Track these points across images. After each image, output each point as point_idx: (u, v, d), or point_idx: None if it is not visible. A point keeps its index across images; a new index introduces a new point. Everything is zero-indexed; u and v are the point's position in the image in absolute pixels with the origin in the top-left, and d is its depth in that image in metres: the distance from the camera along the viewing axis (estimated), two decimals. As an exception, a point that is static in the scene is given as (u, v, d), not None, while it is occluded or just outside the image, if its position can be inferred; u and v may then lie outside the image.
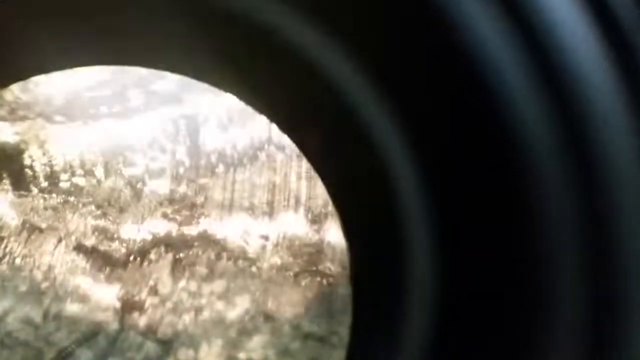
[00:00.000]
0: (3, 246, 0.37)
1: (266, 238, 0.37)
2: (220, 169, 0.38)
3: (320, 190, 0.37)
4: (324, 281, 0.36)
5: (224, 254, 0.37)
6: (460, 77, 0.19)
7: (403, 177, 0.21)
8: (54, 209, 0.37)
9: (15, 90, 0.39)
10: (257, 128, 0.39)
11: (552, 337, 0.18)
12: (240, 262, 0.36)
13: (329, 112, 0.25)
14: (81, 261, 0.36)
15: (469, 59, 0.19)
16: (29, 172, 0.38)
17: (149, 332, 0.35)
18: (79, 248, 0.37)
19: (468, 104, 0.20)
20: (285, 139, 0.38)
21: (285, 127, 0.34)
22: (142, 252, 0.37)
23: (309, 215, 0.37)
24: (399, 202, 0.22)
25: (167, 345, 0.35)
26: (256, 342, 0.35)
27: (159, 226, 0.37)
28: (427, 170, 0.21)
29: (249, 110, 0.39)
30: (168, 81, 0.40)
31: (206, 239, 0.37)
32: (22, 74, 0.37)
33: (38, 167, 0.38)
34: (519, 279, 0.19)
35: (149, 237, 0.37)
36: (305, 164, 0.38)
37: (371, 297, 0.24)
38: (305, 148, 0.33)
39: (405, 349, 0.20)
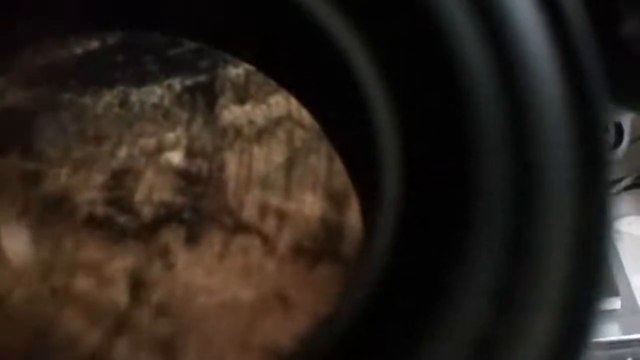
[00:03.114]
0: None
1: (282, 216, 0.36)
2: (237, 143, 0.38)
3: (339, 169, 0.36)
4: (340, 261, 0.35)
5: (239, 232, 0.36)
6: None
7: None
8: (65, 178, 0.37)
9: (28, 54, 0.38)
10: (276, 102, 0.38)
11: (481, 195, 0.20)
12: (255, 240, 0.36)
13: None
14: (92, 232, 0.36)
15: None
16: (40, 139, 0.37)
17: (161, 307, 0.35)
18: (91, 219, 0.36)
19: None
20: (305, 115, 0.37)
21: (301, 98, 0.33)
22: (156, 226, 0.36)
23: (327, 195, 0.36)
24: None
25: (179, 321, 0.35)
26: (269, 323, 0.34)
27: (173, 199, 0.36)
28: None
29: (268, 83, 0.38)
30: (183, 48, 0.39)
31: (221, 215, 0.36)
32: (38, 37, 0.36)
33: (50, 135, 0.37)
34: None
35: (162, 211, 0.36)
36: (324, 143, 0.37)
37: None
38: (320, 118, 0.33)
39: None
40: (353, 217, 0.36)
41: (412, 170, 0.22)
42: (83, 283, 0.35)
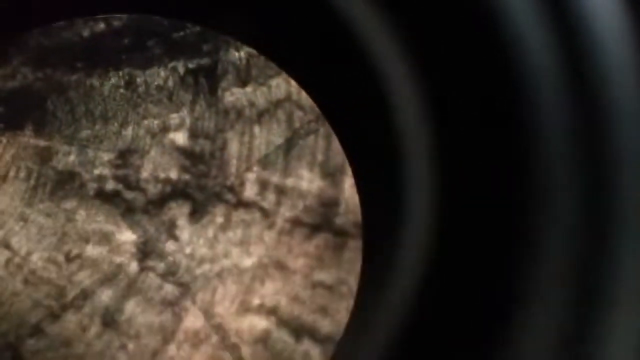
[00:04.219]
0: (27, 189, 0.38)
1: (282, 193, 0.38)
2: (239, 123, 0.39)
3: (336, 148, 0.38)
4: (337, 236, 0.37)
5: (240, 207, 0.38)
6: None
7: (406, 108, 0.22)
8: (75, 155, 0.38)
9: (38, 36, 0.40)
10: (276, 84, 0.39)
11: (544, 233, 0.18)
12: (256, 214, 0.38)
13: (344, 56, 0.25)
14: (102, 206, 0.37)
15: None
16: (50, 118, 0.39)
17: (168, 274, 0.37)
18: (100, 194, 0.38)
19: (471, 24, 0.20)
20: (304, 98, 0.39)
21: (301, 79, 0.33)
22: (161, 201, 0.38)
23: (324, 172, 0.38)
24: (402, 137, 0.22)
25: (185, 287, 0.37)
26: (268, 287, 0.36)
27: (178, 177, 0.38)
28: (429, 95, 0.21)
29: (269, 66, 0.39)
30: (187, 31, 0.40)
31: (223, 192, 0.38)
32: (45, 19, 0.37)
33: (60, 114, 0.39)
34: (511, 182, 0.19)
35: (168, 188, 0.38)
36: (323, 124, 0.39)
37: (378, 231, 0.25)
38: (320, 102, 0.33)
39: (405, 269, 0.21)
40: (347, 191, 0.38)
41: (452, 165, 0.20)
42: (95, 251, 0.37)
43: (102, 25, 0.40)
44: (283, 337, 0.36)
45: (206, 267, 0.37)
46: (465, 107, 0.21)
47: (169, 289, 0.37)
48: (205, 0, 0.33)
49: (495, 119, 0.20)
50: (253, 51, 0.40)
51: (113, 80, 0.40)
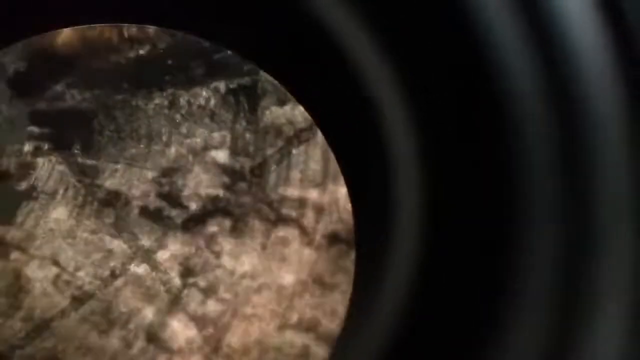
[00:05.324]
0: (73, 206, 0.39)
1: (320, 210, 0.38)
2: (278, 141, 0.40)
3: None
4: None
5: (279, 224, 0.38)
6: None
7: (395, 123, 0.22)
8: (121, 173, 0.39)
9: (86, 58, 0.41)
10: (314, 104, 0.40)
11: (529, 226, 0.19)
12: (294, 231, 0.38)
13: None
14: (146, 223, 0.38)
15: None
16: (97, 138, 0.40)
17: (209, 291, 0.38)
18: (144, 211, 0.39)
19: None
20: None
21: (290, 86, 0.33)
22: (203, 218, 0.39)
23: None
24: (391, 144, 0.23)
25: (226, 303, 0.37)
26: (307, 303, 0.36)
27: (219, 194, 0.39)
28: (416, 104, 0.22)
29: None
30: (229, 53, 0.41)
31: (262, 208, 0.39)
32: (39, 29, 0.37)
33: (106, 134, 0.40)
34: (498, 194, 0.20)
35: (209, 204, 0.39)
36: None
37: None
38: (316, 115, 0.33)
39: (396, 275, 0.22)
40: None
41: (441, 173, 0.21)
42: (139, 268, 0.38)
43: (147, 47, 0.41)
44: (322, 353, 0.37)
45: (246, 283, 0.38)
46: (450, 120, 0.21)
47: (213, 306, 0.37)
48: (203, 12, 0.34)
49: (480, 131, 0.21)
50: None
51: (157, 101, 0.40)
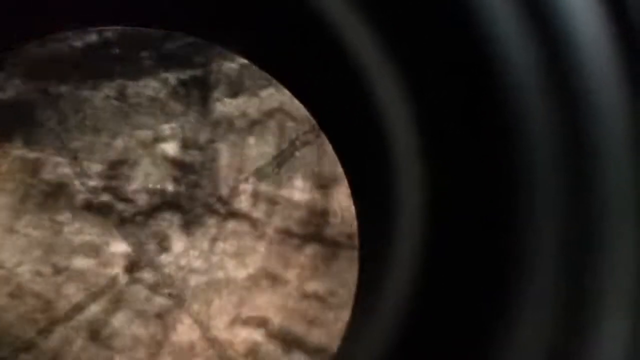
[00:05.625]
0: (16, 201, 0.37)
1: (272, 203, 0.38)
2: (230, 134, 0.39)
3: (328, 159, 0.38)
4: (328, 246, 0.37)
5: (231, 218, 0.37)
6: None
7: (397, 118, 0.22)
8: (65, 166, 0.38)
9: (29, 47, 0.39)
10: (268, 95, 0.39)
11: (531, 223, 0.19)
12: (247, 225, 0.37)
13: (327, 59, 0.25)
14: (91, 218, 0.37)
15: None
16: (41, 130, 0.38)
17: (158, 286, 0.37)
18: (89, 205, 0.37)
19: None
20: (296, 108, 0.38)
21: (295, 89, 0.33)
22: (152, 212, 0.37)
23: (315, 182, 0.38)
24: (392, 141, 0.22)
25: (177, 299, 0.36)
26: (259, 299, 0.36)
27: (169, 188, 0.38)
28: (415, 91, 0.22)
29: (261, 76, 0.39)
30: (179, 42, 0.40)
31: (213, 202, 0.38)
32: (38, 32, 0.37)
33: (50, 126, 0.39)
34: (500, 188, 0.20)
35: (158, 198, 0.38)
36: (314, 132, 0.38)
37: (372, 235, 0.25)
38: (314, 109, 0.33)
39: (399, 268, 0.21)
40: (338, 203, 0.38)
41: (442, 174, 0.20)
42: (83, 263, 0.37)
43: (94, 37, 0.40)
44: (273, 349, 0.36)
45: (198, 278, 0.37)
46: (453, 117, 0.21)
47: (160, 301, 0.36)
48: (203, 14, 0.33)
49: (482, 127, 0.20)
50: (245, 62, 0.40)
51: (104, 92, 0.39)
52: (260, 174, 0.38)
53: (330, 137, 0.34)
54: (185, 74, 0.40)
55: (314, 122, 0.37)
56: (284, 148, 0.38)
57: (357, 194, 0.31)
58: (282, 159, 0.38)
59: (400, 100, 0.22)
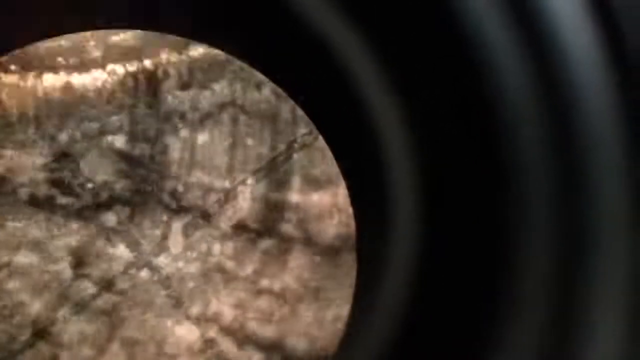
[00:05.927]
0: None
1: (225, 198, 0.37)
2: (180, 127, 0.38)
3: (281, 152, 0.38)
4: (282, 242, 0.36)
5: (181, 212, 0.37)
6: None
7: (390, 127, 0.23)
8: (7, 159, 0.37)
9: None
10: (220, 88, 0.39)
11: (525, 225, 0.19)
12: (198, 220, 0.37)
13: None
14: (34, 212, 0.36)
15: None
16: (-19, 120, 0.37)
17: (104, 282, 0.36)
18: (33, 199, 0.36)
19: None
20: (248, 101, 0.38)
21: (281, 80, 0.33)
22: (98, 206, 0.37)
23: (269, 176, 0.38)
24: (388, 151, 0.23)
25: (123, 295, 0.35)
26: (209, 294, 0.35)
27: (116, 182, 0.37)
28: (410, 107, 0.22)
29: (212, 69, 0.39)
30: (129, 34, 0.40)
31: (162, 197, 0.37)
32: (38, 34, 0.36)
33: (-9, 116, 0.37)
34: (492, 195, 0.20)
35: (105, 192, 0.37)
36: (267, 127, 0.38)
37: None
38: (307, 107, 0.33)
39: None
40: (293, 197, 0.37)
41: (437, 182, 0.21)
42: (26, 259, 0.36)
43: (38, 26, 0.39)
44: (224, 344, 0.36)
45: (144, 275, 0.36)
46: (443, 120, 0.21)
47: (105, 297, 0.36)
48: (203, 17, 0.33)
49: (473, 130, 0.21)
50: (196, 54, 0.39)
51: (50, 82, 0.39)
52: (210, 167, 0.37)
53: (327, 138, 0.34)
54: (133, 66, 0.40)
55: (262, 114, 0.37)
56: (235, 141, 0.38)
57: (354, 197, 0.31)
58: (232, 152, 0.38)
59: (394, 102, 0.23)
